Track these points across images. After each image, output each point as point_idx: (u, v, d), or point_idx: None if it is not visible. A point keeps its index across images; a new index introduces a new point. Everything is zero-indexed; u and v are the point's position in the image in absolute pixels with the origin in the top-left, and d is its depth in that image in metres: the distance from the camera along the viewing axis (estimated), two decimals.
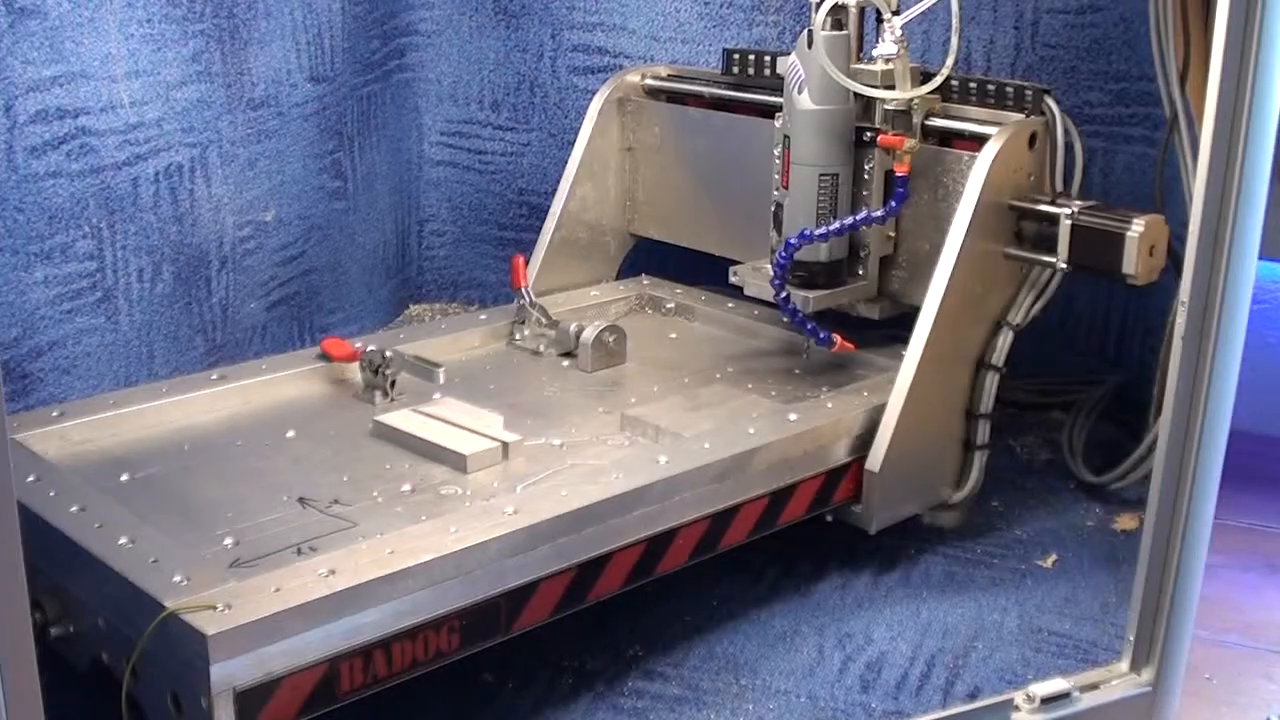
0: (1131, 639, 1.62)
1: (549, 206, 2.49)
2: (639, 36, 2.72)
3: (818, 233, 2.02)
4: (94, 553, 1.46)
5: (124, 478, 1.74)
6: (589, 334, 2.16)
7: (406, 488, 1.73)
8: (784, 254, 2.01)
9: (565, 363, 2.20)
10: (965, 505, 2.10)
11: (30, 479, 1.63)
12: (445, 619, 1.50)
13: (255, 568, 1.50)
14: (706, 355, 2.26)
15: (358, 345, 2.06)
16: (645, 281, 2.54)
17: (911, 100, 2.02)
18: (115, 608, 1.45)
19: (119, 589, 1.42)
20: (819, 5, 2.01)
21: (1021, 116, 2.02)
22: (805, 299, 2.07)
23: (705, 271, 2.48)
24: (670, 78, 2.53)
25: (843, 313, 2.18)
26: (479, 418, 1.88)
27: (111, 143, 2.13)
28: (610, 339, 2.18)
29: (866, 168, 2.10)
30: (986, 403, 2.03)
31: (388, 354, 2.00)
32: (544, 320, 2.25)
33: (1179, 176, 2.05)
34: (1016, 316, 2.03)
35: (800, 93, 2.05)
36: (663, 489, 1.69)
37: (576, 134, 2.51)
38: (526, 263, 2.33)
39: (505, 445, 1.81)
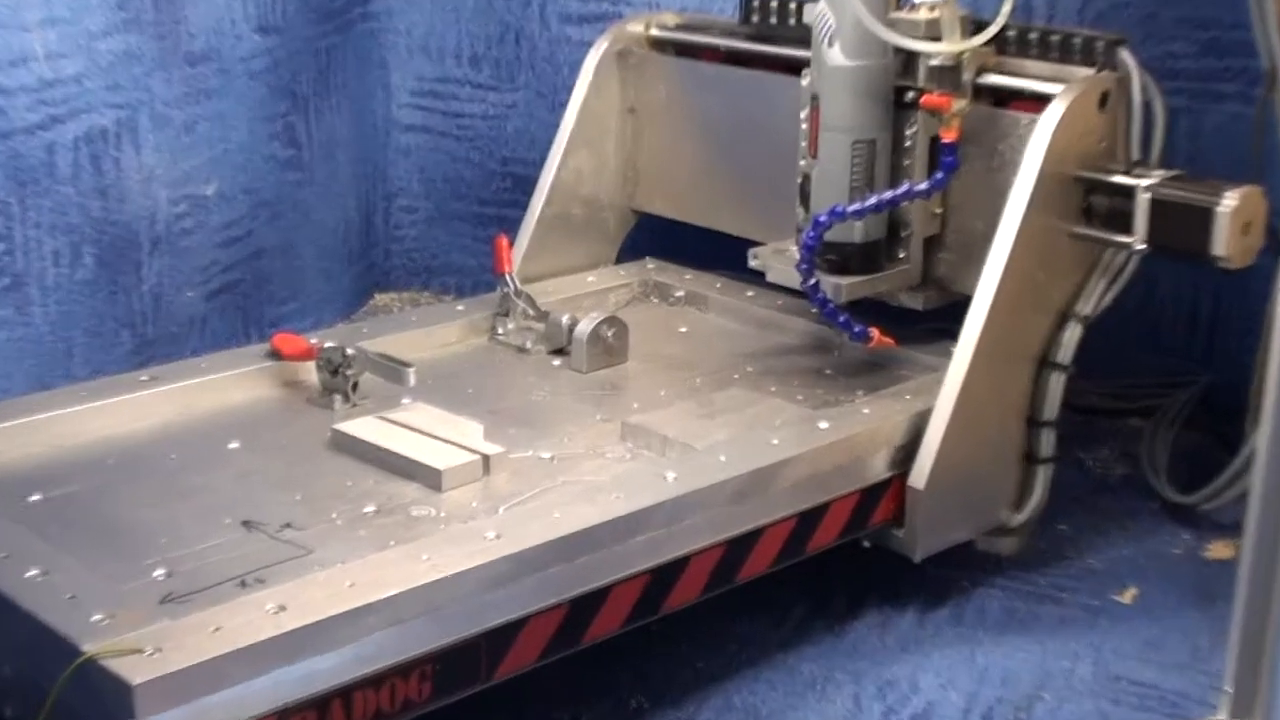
0: (1229, 690, 1.60)
1: (537, 178, 2.49)
2: None
3: (851, 209, 2.02)
4: None
5: (35, 498, 1.73)
6: (584, 328, 2.16)
7: (370, 509, 1.73)
8: (812, 234, 2.01)
9: (556, 361, 2.20)
10: (1027, 529, 2.10)
11: None
12: (415, 664, 1.49)
13: (191, 603, 1.49)
14: (722, 353, 2.26)
15: (314, 341, 2.06)
16: (650, 266, 2.54)
17: (961, 54, 2.02)
18: (23, 653, 1.44)
19: (27, 630, 1.41)
20: None
21: (1091, 72, 2.02)
22: (837, 286, 2.07)
23: (720, 254, 2.47)
24: (679, 27, 2.53)
25: (881, 302, 2.19)
26: (455, 427, 1.88)
27: (22, 103, 2.12)
28: (609, 334, 2.18)
29: (908, 133, 2.11)
30: (1051, 408, 2.03)
31: (349, 351, 2.00)
32: (531, 312, 2.25)
33: None
34: (1086, 307, 2.04)
35: (831, 46, 2.05)
36: (670, 510, 1.69)
37: (570, 93, 2.51)
38: (511, 244, 2.33)
39: (486, 459, 1.81)
